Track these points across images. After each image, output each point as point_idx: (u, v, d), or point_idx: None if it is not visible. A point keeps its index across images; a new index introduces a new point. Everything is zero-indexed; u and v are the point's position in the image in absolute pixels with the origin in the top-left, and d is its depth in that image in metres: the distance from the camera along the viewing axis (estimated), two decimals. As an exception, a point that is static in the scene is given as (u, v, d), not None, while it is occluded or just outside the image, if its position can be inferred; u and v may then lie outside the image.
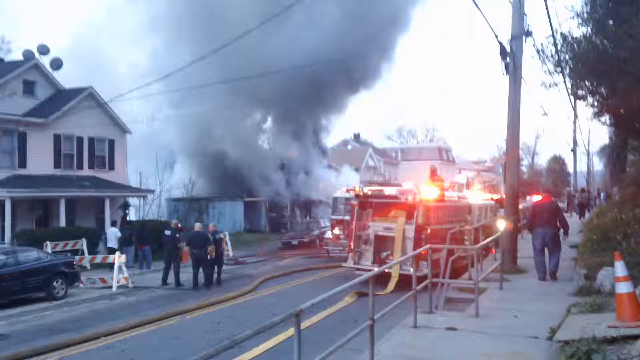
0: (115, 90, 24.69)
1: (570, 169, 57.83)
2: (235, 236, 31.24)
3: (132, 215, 29.70)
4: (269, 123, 40.10)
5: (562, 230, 13.66)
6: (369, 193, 18.56)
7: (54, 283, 16.42)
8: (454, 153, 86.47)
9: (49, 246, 20.44)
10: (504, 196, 16.03)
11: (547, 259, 13.17)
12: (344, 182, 33.67)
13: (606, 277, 9.93)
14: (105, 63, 35.93)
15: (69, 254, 19.85)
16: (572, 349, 6.21)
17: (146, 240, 22.76)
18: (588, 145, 55.40)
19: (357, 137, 65.08)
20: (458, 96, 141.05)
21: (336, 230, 23.30)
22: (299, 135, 38.09)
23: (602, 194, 41.02)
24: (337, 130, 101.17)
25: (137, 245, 22.85)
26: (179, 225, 21.39)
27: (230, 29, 26.46)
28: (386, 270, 14.88)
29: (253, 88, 27.35)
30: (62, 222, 24.26)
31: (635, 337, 5.98)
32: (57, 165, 26.29)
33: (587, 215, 30.61)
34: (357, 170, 51.06)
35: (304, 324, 10.99)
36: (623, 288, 6.91)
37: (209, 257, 18.13)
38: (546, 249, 13.17)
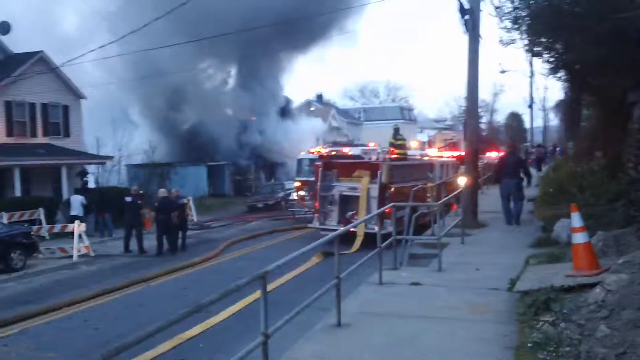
0: (67, 54, 23.80)
1: (527, 125, 58.97)
2: (199, 201, 30.98)
3: (91, 183, 29.03)
4: (229, 85, 39.45)
5: (525, 181, 15.00)
6: (333, 154, 18.67)
7: (12, 254, 15.99)
8: (416, 112, 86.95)
9: (4, 217, 19.86)
10: (464, 153, 16.28)
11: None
12: (310, 133, 33.55)
13: (562, 229, 10.25)
14: (53, 23, 34.47)
15: (26, 225, 19.36)
16: (531, 299, 6.42)
17: (106, 208, 22.33)
18: (544, 101, 56.57)
19: (319, 97, 64.63)
20: (419, 54, 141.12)
21: (301, 192, 23.35)
22: (257, 87, 37.50)
23: (558, 149, 42.06)
24: (299, 90, 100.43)
25: (97, 213, 22.43)
26: (140, 191, 21.05)
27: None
28: (351, 230, 15.17)
29: (210, 41, 26.61)
30: (18, 192, 23.54)
31: (592, 285, 6.20)
32: (9, 133, 25.33)
33: (543, 169, 31.42)
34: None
35: (271, 286, 11.14)
36: (579, 238, 7.12)
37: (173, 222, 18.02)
38: (511, 198, 14.46)
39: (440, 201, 12.46)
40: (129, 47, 22.53)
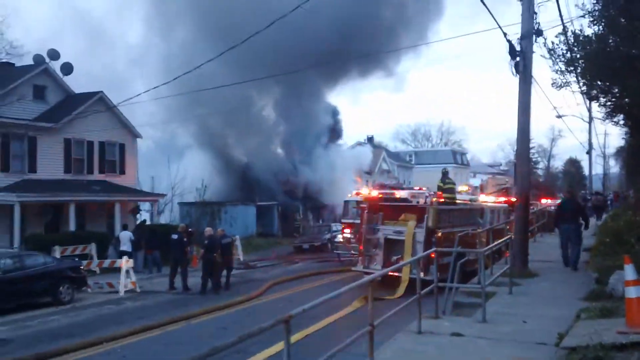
0: (126, 94, 24.79)
1: (586, 172, 57.14)
2: (247, 240, 31.50)
3: (147, 220, 29.70)
4: (278, 123, 40.05)
5: (583, 225, 14.90)
6: (380, 196, 18.49)
7: (61, 288, 16.38)
8: (469, 156, 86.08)
9: (57, 251, 20.46)
10: (515, 199, 15.81)
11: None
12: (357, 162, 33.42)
13: (618, 281, 9.65)
14: (113, 65, 36.22)
15: (77, 259, 19.85)
16: (579, 356, 6.00)
17: (155, 245, 22.76)
18: (604, 147, 54.69)
19: (370, 140, 64.80)
20: (474, 96, 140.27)
21: (347, 234, 23.22)
22: (301, 120, 37.93)
23: (620, 197, 40.50)
24: (350, 132, 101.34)
25: (146, 250, 22.88)
26: (190, 229, 21.31)
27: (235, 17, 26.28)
28: (396, 274, 14.83)
29: (253, 73, 27.20)
30: (72, 227, 24.32)
31: (645, 343, 5.75)
32: (67, 170, 26.39)
33: (602, 218, 30.20)
34: (369, 173, 50.96)
35: (307, 330, 10.93)
36: (633, 292, 6.68)
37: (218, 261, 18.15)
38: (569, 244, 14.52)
39: (485, 248, 12.04)
40: (181, 86, 23.26)
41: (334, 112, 44.34)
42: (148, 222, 28.19)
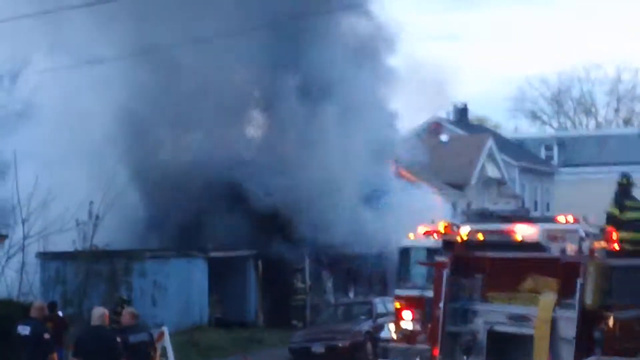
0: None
1: None
2: (190, 334, 32.11)
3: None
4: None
5: None
6: (478, 238, 18.50)
7: None
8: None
9: None
10: None
11: None
12: None
13: None
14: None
15: None
16: None
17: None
18: None
19: (461, 113, 64.98)
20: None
21: (406, 322, 22.99)
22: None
23: None
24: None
25: None
26: (59, 312, 21.09)
27: None
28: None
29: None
30: None
31: None
32: None
33: None
34: (460, 188, 51.07)
35: None
36: None
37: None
38: None
39: None
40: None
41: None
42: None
